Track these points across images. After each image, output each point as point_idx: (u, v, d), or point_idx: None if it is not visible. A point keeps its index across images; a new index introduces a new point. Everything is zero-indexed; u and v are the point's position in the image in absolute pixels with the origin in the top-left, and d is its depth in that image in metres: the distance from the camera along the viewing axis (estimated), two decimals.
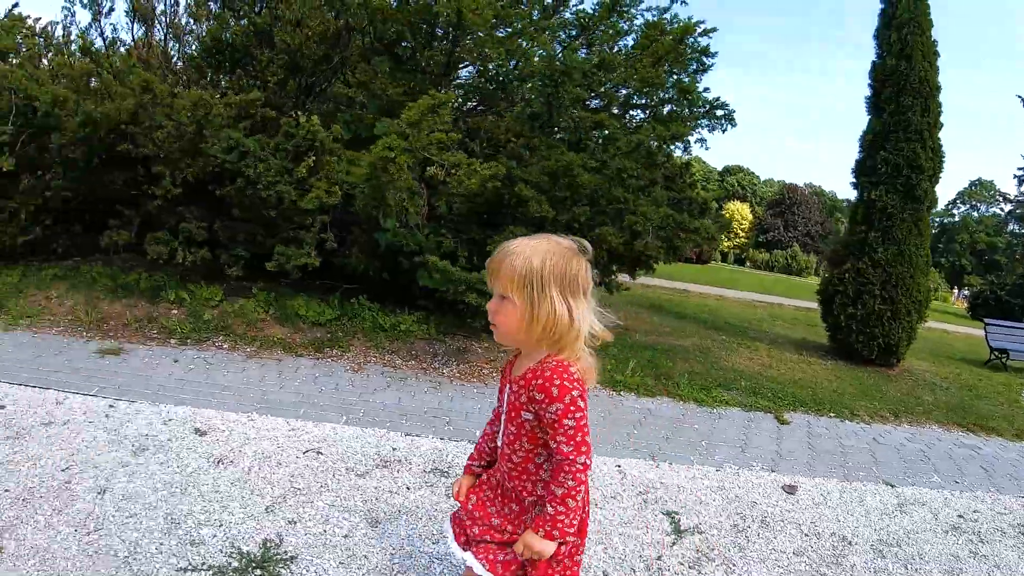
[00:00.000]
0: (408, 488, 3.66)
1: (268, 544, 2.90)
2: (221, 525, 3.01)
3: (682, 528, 3.57)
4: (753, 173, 75.36)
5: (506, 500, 1.85)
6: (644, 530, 3.48)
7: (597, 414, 5.37)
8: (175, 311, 6.49)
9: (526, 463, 1.77)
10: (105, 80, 6.09)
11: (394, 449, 4.19)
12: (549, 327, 1.63)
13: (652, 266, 7.17)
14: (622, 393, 6.12)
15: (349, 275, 6.67)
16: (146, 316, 6.26)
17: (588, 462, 1.65)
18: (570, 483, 1.64)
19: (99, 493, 3.18)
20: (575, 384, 1.64)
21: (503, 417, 1.82)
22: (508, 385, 1.81)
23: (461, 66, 7.47)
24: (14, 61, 7.10)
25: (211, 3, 7.99)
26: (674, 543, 3.39)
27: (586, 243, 1.73)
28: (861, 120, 9.47)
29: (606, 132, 6.64)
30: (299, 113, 5.92)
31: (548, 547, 1.68)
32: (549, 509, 1.67)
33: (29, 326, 5.83)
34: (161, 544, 2.80)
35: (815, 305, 10.04)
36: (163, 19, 8.20)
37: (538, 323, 1.63)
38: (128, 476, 3.38)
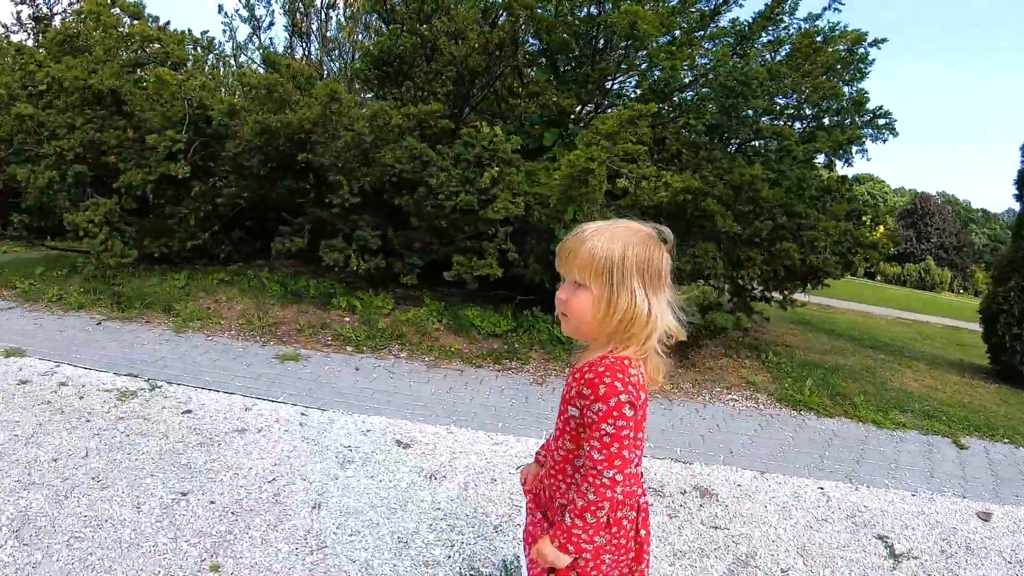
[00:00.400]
0: None
1: (509, 567, 2.80)
2: (453, 545, 2.93)
3: (897, 553, 3.47)
4: (883, 182, 71.46)
5: (540, 503, 1.76)
6: (862, 554, 3.40)
7: (785, 435, 5.20)
8: (347, 318, 6.56)
9: (564, 463, 1.65)
10: (287, 90, 6.20)
11: None
12: (626, 321, 1.50)
13: (825, 282, 6.93)
14: (802, 412, 5.91)
15: (521, 285, 6.62)
16: (319, 323, 6.33)
17: (619, 478, 1.48)
18: (592, 496, 1.49)
19: (313, 507, 3.13)
20: (628, 388, 1.48)
21: (559, 410, 1.69)
22: (568, 377, 1.67)
23: (619, 77, 7.38)
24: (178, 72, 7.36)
25: (366, 17, 8.11)
26: (894, 568, 3.31)
27: (666, 230, 1.59)
28: (1005, 122, 8.96)
29: (781, 143, 6.44)
30: (483, 123, 5.89)
31: (560, 559, 1.56)
32: (567, 519, 1.55)
33: (200, 329, 5.99)
34: (395, 565, 2.70)
35: (960, 323, 9.59)
36: (317, 34, 8.34)
37: (615, 315, 1.50)
38: (341, 490, 3.33)
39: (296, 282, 6.99)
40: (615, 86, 7.38)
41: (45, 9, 11.03)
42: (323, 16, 8.16)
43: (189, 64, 7.70)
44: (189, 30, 7.99)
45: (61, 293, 6.62)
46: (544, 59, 7.22)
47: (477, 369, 5.80)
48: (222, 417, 4.12)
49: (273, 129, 6.29)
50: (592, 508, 1.50)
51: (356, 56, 7.40)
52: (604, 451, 1.47)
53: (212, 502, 3.08)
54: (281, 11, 8.06)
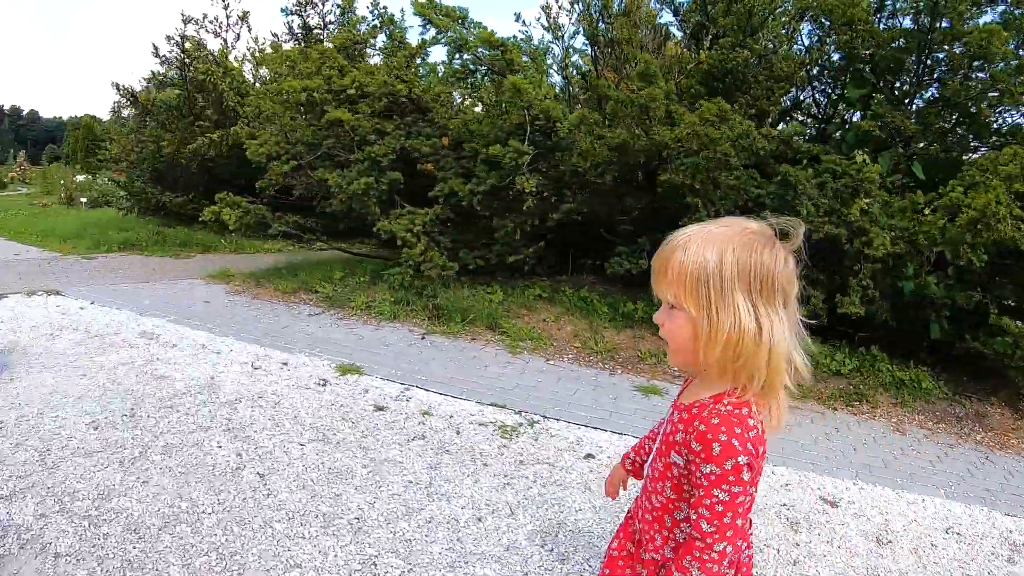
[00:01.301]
0: None
1: None
2: None
3: None
4: None
5: (630, 532, 1.51)
6: None
7: None
8: None
9: (663, 513, 1.37)
10: (658, 106, 5.93)
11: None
12: (734, 348, 1.16)
13: None
14: None
15: (851, 320, 6.23)
16: (659, 350, 5.84)
17: (729, 550, 1.21)
18: (696, 573, 1.22)
19: None
20: (747, 446, 1.16)
21: (657, 441, 1.40)
22: (673, 409, 1.37)
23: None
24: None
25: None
26: None
27: (796, 222, 1.23)
28: None
29: None
30: (860, 153, 5.51)
31: None
32: None
33: (534, 350, 5.72)
34: None
35: None
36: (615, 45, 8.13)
37: (716, 342, 1.17)
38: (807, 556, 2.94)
39: (625, 304, 6.70)
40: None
41: (317, 19, 11.42)
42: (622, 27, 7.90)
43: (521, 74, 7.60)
44: (515, 37, 7.96)
45: (369, 301, 6.61)
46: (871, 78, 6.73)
47: (832, 411, 5.44)
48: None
49: (633, 147, 6.08)
50: None
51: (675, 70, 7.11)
52: (715, 522, 1.19)
53: None
54: (580, 20, 7.87)
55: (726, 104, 5.63)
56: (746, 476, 1.17)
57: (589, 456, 3.74)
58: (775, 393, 1.24)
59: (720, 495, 1.17)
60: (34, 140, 77.75)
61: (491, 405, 4.36)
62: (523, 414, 4.25)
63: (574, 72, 7.63)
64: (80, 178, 20.75)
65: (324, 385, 4.52)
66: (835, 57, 6.96)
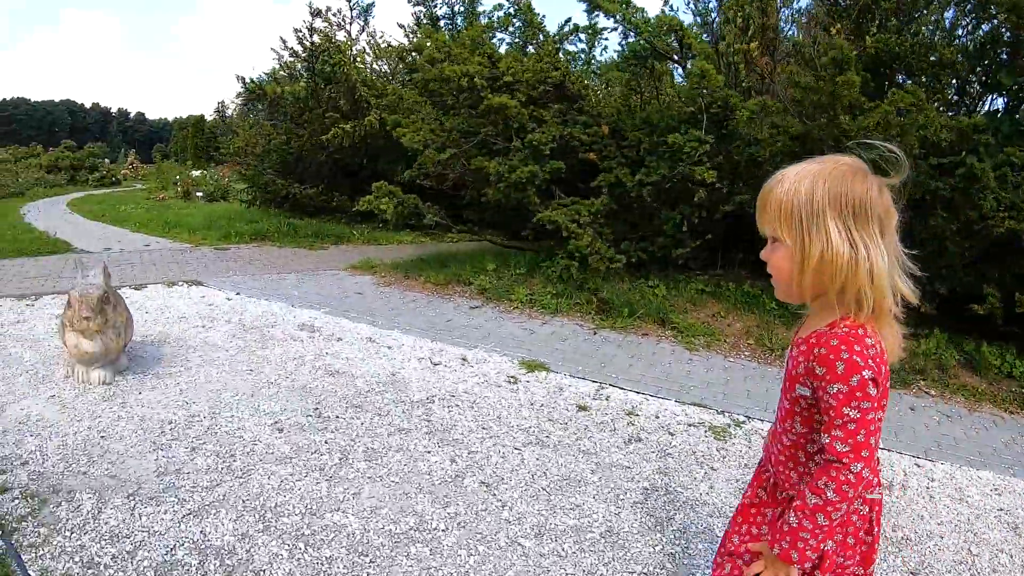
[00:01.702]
0: None
1: None
2: None
3: None
4: None
5: (770, 498, 1.49)
6: None
7: None
8: None
9: (796, 450, 1.37)
10: (852, 93, 5.41)
11: None
12: (831, 272, 1.18)
13: None
14: None
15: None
16: None
17: (867, 474, 1.20)
18: (831, 495, 1.20)
19: None
20: (869, 362, 1.17)
21: (782, 383, 1.39)
22: (792, 345, 1.37)
23: None
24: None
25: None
26: None
27: (897, 151, 1.24)
28: None
29: None
30: None
31: (782, 571, 1.30)
32: (792, 519, 1.26)
33: (708, 346, 5.41)
34: None
35: None
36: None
37: (811, 267, 1.20)
38: None
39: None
40: None
41: (445, 8, 11.29)
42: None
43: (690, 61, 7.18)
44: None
45: (530, 295, 6.32)
46: None
47: (1010, 415, 4.74)
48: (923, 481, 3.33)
49: (815, 136, 5.60)
50: (828, 509, 1.22)
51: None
52: (849, 440, 1.18)
53: None
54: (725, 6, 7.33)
55: (920, 92, 5.04)
56: (872, 391, 1.18)
57: None
58: (886, 318, 1.24)
59: (851, 413, 1.18)
60: (141, 140, 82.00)
61: (692, 405, 4.08)
62: (726, 414, 3.97)
63: (733, 57, 7.09)
64: (196, 173, 21.50)
65: (515, 383, 4.19)
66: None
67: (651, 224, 6.60)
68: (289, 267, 7.64)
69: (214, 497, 2.63)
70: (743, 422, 3.86)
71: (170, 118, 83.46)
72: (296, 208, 11.24)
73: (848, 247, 1.18)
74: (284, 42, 11.51)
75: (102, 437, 3.06)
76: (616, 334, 5.51)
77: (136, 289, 5.99)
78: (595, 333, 5.53)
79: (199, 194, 17.05)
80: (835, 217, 1.19)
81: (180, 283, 6.37)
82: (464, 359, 4.61)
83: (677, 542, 2.57)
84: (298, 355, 4.43)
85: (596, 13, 6.74)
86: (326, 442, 3.19)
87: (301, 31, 10.73)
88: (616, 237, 6.48)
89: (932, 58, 5.96)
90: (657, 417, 3.83)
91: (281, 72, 12.10)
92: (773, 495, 1.47)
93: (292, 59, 11.60)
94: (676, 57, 6.42)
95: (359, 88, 9.69)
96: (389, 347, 4.77)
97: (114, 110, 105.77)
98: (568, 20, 8.48)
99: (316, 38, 10.50)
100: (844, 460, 1.19)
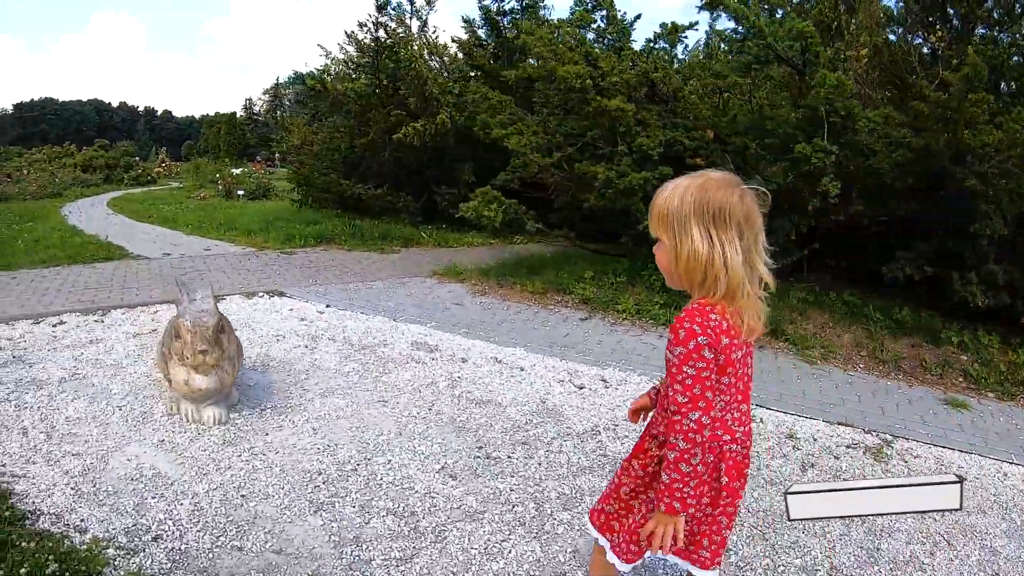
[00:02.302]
0: None
1: None
2: None
3: None
4: None
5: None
6: None
7: None
8: (963, 356, 5.28)
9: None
10: (984, 110, 4.95)
11: None
12: (695, 266, 1.43)
13: None
14: None
15: None
16: (940, 360, 5.13)
17: (705, 421, 1.43)
18: (681, 444, 1.44)
19: None
20: (708, 331, 1.41)
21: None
22: None
23: None
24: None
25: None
26: None
27: (761, 188, 1.50)
28: None
29: None
30: None
31: (672, 522, 1.51)
32: (664, 477, 1.50)
33: (824, 359, 5.03)
34: None
35: None
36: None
37: (681, 262, 1.45)
38: None
39: (900, 310, 5.81)
40: None
41: (513, 3, 10.77)
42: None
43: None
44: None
45: (637, 305, 5.89)
46: None
47: None
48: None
49: (938, 150, 5.14)
50: (685, 456, 1.44)
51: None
52: (687, 393, 1.42)
53: None
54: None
55: None
56: (707, 354, 1.41)
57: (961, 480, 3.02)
58: (744, 300, 1.44)
59: (688, 371, 1.41)
60: (168, 138, 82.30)
61: (839, 424, 3.83)
62: (874, 434, 3.72)
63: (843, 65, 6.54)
64: (236, 171, 21.19)
65: None
66: None
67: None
68: (369, 274, 7.21)
69: (417, 572, 2.19)
70: (891, 441, 3.64)
71: (196, 115, 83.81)
72: (352, 208, 10.77)
73: (707, 245, 1.40)
74: (349, 35, 10.86)
75: (243, 496, 2.57)
76: None
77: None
78: None
79: (240, 193, 16.72)
80: (697, 222, 1.41)
81: (260, 293, 5.95)
82: (604, 380, 4.20)
83: None
84: (429, 380, 4.00)
85: (717, 13, 6.24)
86: (511, 490, 2.76)
87: (367, 24, 10.23)
88: None
89: None
90: (815, 440, 3.57)
91: (335, 68, 11.59)
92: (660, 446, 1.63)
93: (356, 54, 11.01)
94: (800, 64, 5.91)
95: (430, 85, 9.19)
96: (521, 368, 4.33)
97: (140, 108, 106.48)
98: (664, 23, 7.99)
99: (382, 32, 9.98)
100: (683, 410, 1.42)
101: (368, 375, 4.00)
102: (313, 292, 6.09)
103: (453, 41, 10.86)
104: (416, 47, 10.14)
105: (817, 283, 6.65)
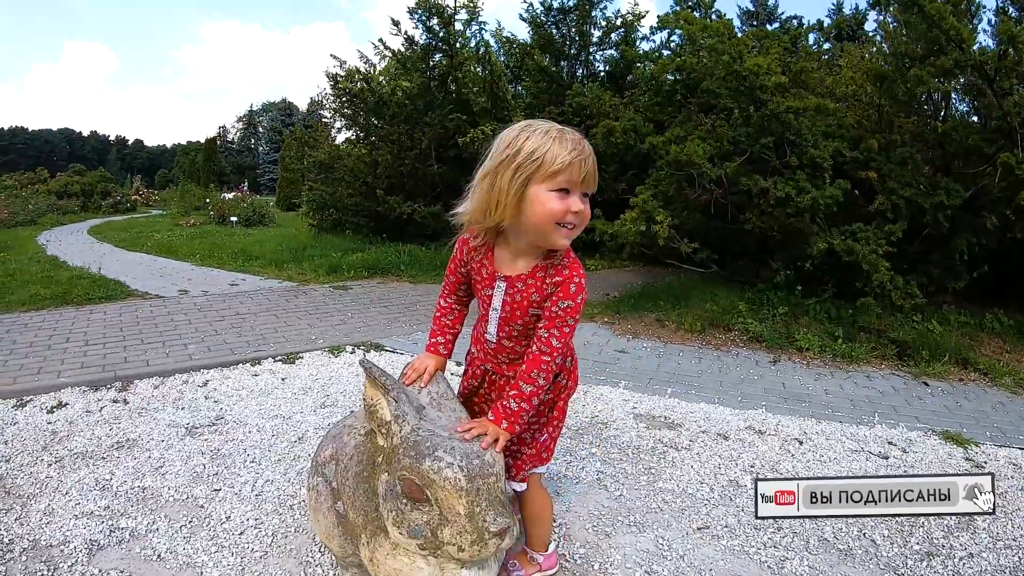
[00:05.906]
0: None
1: None
2: None
3: None
4: None
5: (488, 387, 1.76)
6: None
7: None
8: None
9: (519, 348, 1.65)
10: None
11: None
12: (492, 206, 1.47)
13: None
14: None
15: None
16: None
17: (568, 364, 1.71)
18: (541, 382, 1.54)
19: None
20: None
21: (497, 314, 1.63)
22: (500, 282, 1.61)
23: None
24: None
25: None
26: None
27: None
28: None
29: None
30: None
31: (505, 438, 1.53)
32: (512, 405, 1.54)
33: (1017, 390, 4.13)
34: None
35: None
36: None
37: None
38: None
39: None
40: None
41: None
42: None
43: None
44: None
45: (821, 343, 4.65)
46: None
47: None
48: None
49: None
50: (540, 392, 1.56)
51: None
52: (563, 340, 1.55)
53: None
54: None
55: None
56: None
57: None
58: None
59: (571, 322, 1.56)
60: (140, 167, 79.34)
61: None
62: None
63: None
64: (227, 196, 19.55)
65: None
66: None
67: (931, 254, 5.21)
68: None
69: None
70: None
71: (168, 144, 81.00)
72: (387, 231, 9.23)
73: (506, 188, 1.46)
74: (397, 24, 9.13)
75: None
76: (939, 382, 4.16)
77: (287, 362, 4.03)
78: (926, 385, 4.09)
79: (233, 219, 15.08)
80: (508, 166, 1.47)
81: (347, 348, 4.39)
82: (891, 443, 3.07)
83: None
84: (711, 472, 2.68)
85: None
86: None
87: (418, 12, 8.68)
88: (894, 268, 4.82)
89: None
90: None
91: (365, 68, 9.95)
92: (491, 384, 1.74)
93: (405, 49, 9.35)
94: (992, 72, 4.79)
95: (502, 85, 7.75)
96: (799, 440, 3.05)
97: (112, 137, 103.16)
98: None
99: (435, 22, 8.46)
100: (555, 355, 1.54)
101: (630, 476, 2.62)
102: (415, 343, 4.58)
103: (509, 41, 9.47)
104: (486, 37, 8.66)
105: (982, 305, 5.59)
